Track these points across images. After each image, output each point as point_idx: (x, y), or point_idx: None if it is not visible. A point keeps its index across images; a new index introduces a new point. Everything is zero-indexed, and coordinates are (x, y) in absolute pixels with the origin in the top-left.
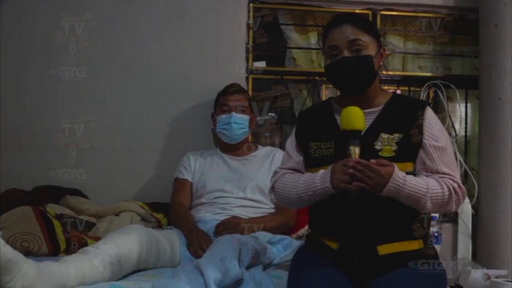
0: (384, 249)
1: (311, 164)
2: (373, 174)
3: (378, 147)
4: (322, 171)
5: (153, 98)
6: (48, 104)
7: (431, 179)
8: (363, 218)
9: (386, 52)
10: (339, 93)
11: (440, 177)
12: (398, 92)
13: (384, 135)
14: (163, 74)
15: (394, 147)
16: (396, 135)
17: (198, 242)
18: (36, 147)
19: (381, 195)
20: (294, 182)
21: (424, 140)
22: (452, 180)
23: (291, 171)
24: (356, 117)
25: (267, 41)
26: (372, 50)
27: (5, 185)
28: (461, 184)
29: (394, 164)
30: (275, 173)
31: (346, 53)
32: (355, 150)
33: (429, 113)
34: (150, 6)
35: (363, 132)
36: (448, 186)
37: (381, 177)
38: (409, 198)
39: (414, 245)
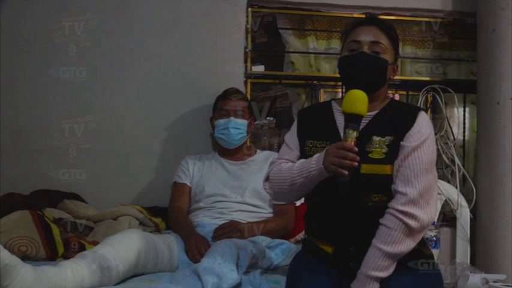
0: None
1: None
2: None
3: (368, 149)
4: (317, 154)
5: (152, 101)
6: (48, 104)
7: (379, 237)
8: (357, 221)
9: None
10: (337, 97)
11: (392, 212)
12: (397, 96)
13: (376, 138)
14: (162, 77)
15: (385, 150)
16: (388, 138)
17: (196, 247)
18: (36, 147)
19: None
20: (290, 168)
21: (404, 142)
22: (402, 212)
23: (288, 162)
24: (359, 101)
25: (266, 41)
26: (389, 57)
27: (5, 185)
28: (421, 217)
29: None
30: (272, 163)
31: (366, 50)
32: (352, 135)
33: (421, 117)
34: (149, 8)
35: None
36: (402, 226)
37: None
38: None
39: None
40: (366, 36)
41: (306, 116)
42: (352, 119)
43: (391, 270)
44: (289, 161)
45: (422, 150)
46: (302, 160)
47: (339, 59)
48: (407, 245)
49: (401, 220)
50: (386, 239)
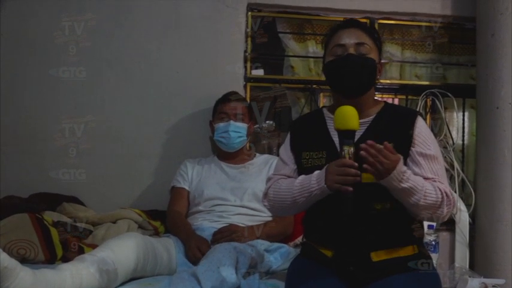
0: (377, 255)
1: (304, 174)
2: (385, 159)
3: None
4: (317, 172)
5: (151, 104)
6: (48, 104)
7: (425, 181)
8: (356, 225)
9: (384, 61)
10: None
11: (432, 181)
12: (396, 100)
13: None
14: (161, 80)
15: None
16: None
17: (197, 246)
18: (35, 147)
19: (381, 183)
20: (289, 186)
21: (412, 148)
22: (443, 184)
23: (285, 177)
24: (350, 117)
25: (266, 43)
26: (374, 57)
27: (6, 185)
28: (451, 191)
29: (400, 157)
30: (269, 179)
31: (352, 52)
32: (349, 150)
33: (420, 122)
34: (149, 11)
35: (356, 139)
36: (440, 189)
37: (391, 163)
38: (405, 192)
39: (408, 251)
40: (350, 38)
41: (298, 128)
42: (347, 135)
43: (399, 186)
44: (286, 176)
45: (439, 156)
46: (302, 177)
47: (325, 64)
48: (434, 206)
49: (439, 187)
50: (430, 190)
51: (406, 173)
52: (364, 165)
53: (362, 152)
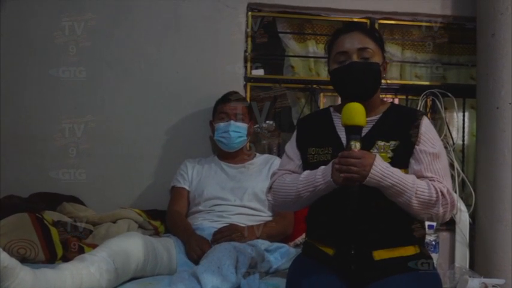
0: (379, 254)
1: (309, 169)
2: (355, 160)
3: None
4: (322, 167)
5: (151, 104)
6: (48, 104)
7: (419, 179)
8: (359, 223)
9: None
10: (337, 102)
11: (429, 180)
12: (396, 100)
13: (380, 143)
14: (161, 80)
15: (390, 154)
16: (392, 143)
17: (198, 245)
18: (36, 147)
19: (367, 184)
20: (294, 180)
21: (416, 146)
22: (441, 184)
23: (289, 172)
24: (357, 113)
25: (266, 42)
26: (378, 59)
27: (6, 186)
28: (451, 191)
29: (376, 154)
30: (273, 174)
31: (355, 59)
32: (356, 145)
33: (425, 121)
34: (149, 11)
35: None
36: (435, 188)
37: (364, 160)
38: (393, 190)
39: (410, 251)
40: (352, 44)
41: (305, 125)
42: (354, 130)
43: (384, 182)
44: (291, 172)
45: (442, 155)
46: (306, 172)
47: (330, 72)
48: (428, 205)
49: (434, 186)
50: (423, 188)
51: (389, 168)
52: (342, 175)
53: (336, 166)
